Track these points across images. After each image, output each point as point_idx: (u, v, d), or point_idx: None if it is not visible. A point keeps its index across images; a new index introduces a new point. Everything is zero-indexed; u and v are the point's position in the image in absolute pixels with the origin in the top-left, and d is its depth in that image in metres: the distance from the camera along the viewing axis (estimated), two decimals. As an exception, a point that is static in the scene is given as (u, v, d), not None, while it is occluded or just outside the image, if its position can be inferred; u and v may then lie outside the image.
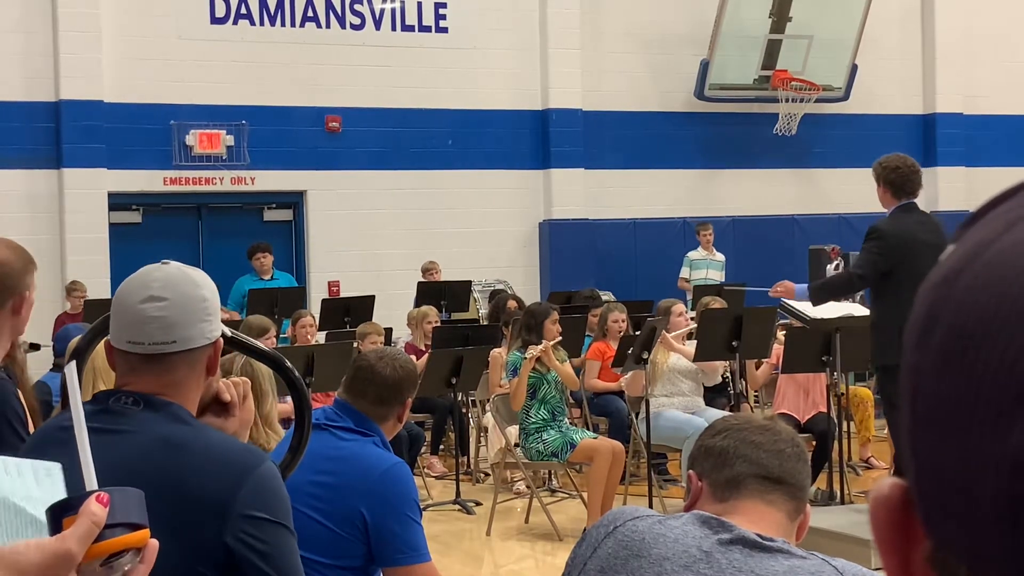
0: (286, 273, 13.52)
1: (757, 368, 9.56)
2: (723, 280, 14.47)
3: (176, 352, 2.21)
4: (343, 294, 13.81)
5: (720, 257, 14.77)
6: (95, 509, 1.38)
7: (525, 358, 8.13)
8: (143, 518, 1.44)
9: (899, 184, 7.19)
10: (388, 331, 10.55)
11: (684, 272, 14.65)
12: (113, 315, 2.25)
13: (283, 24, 14.50)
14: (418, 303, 11.96)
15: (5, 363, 3.43)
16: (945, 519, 0.55)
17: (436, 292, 12.65)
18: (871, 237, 7.19)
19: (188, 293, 2.22)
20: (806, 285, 7.63)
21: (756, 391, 10.30)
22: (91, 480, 1.50)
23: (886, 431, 9.95)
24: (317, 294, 13.95)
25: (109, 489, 1.42)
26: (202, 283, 2.26)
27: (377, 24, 14.91)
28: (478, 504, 9.05)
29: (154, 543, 1.45)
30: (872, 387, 10.89)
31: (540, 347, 8.13)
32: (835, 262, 13.72)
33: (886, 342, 7.02)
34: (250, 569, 2.13)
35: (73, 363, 1.86)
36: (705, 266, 14.64)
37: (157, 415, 2.19)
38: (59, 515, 1.39)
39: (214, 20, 14.21)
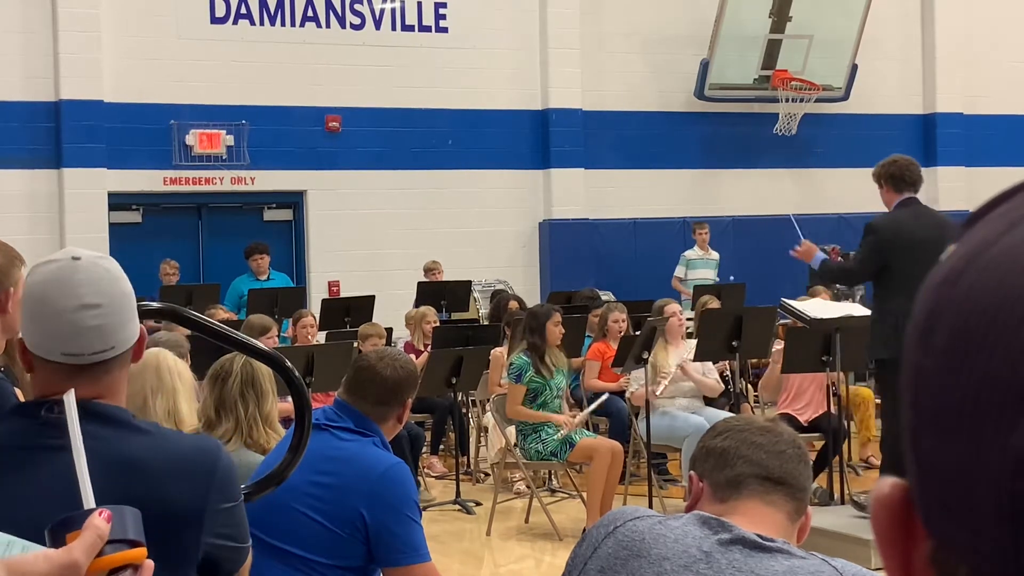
0: (283, 274, 13.51)
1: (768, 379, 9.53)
2: (717, 278, 14.46)
3: (114, 357, 2.14)
4: (343, 294, 13.81)
5: (715, 255, 14.72)
6: (99, 523, 1.43)
7: (555, 437, 8.04)
8: (140, 535, 1.50)
9: (899, 175, 7.19)
10: (388, 331, 10.55)
11: (679, 271, 14.56)
12: (35, 323, 2.11)
13: (283, 24, 14.51)
14: (418, 303, 11.95)
15: (5, 363, 3.43)
16: (946, 518, 0.55)
17: (436, 292, 12.65)
18: (866, 234, 7.26)
19: (118, 293, 2.12)
20: (824, 257, 7.67)
21: (767, 398, 10.28)
22: (89, 499, 1.54)
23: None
24: (317, 294, 13.95)
25: (108, 507, 1.47)
26: (122, 276, 2.15)
27: (377, 24, 14.91)
28: (478, 504, 9.05)
29: (150, 563, 1.50)
30: (873, 386, 10.90)
31: (564, 431, 8.05)
32: (835, 262, 13.72)
33: (880, 338, 7.06)
34: (221, 552, 2.18)
35: (72, 391, 1.84)
36: (702, 265, 14.61)
37: (101, 425, 2.10)
38: (62, 532, 1.44)
39: (214, 20, 14.21)
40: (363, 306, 11.82)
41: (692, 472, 2.29)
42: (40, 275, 2.12)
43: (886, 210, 7.40)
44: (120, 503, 2.01)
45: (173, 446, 2.18)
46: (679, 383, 8.89)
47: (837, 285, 12.32)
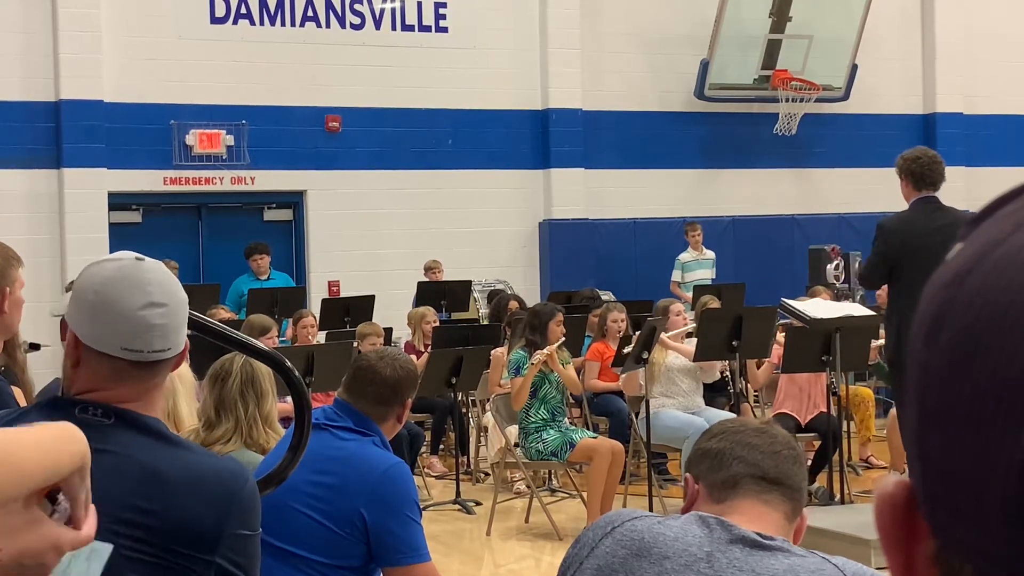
0: (283, 273, 13.51)
1: (758, 368, 9.56)
2: (714, 277, 14.43)
3: (167, 359, 2.16)
4: (343, 294, 13.80)
5: (710, 255, 14.66)
6: None
7: (532, 363, 8.11)
8: None
9: (919, 174, 7.17)
10: (388, 331, 10.55)
11: (676, 276, 14.48)
12: (98, 317, 2.12)
13: (283, 24, 14.50)
14: (418, 303, 11.96)
15: (5, 363, 3.43)
16: (951, 518, 0.54)
17: (436, 292, 12.65)
18: (876, 236, 7.22)
19: (180, 297, 2.16)
20: None
21: (756, 391, 10.30)
22: None
23: (886, 431, 9.95)
24: (317, 294, 13.95)
25: None
26: (179, 283, 2.21)
27: (377, 24, 14.91)
28: (478, 504, 9.05)
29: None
30: (871, 385, 10.91)
31: (545, 351, 8.12)
32: (835, 262, 13.75)
33: (889, 338, 7.09)
34: None
35: None
36: (697, 267, 14.55)
37: (133, 433, 2.10)
38: None
39: (214, 20, 14.20)
40: (363, 306, 11.82)
41: (688, 474, 2.29)
42: (105, 271, 2.13)
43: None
44: (139, 512, 2.01)
45: (200, 464, 2.15)
46: (676, 382, 8.89)
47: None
